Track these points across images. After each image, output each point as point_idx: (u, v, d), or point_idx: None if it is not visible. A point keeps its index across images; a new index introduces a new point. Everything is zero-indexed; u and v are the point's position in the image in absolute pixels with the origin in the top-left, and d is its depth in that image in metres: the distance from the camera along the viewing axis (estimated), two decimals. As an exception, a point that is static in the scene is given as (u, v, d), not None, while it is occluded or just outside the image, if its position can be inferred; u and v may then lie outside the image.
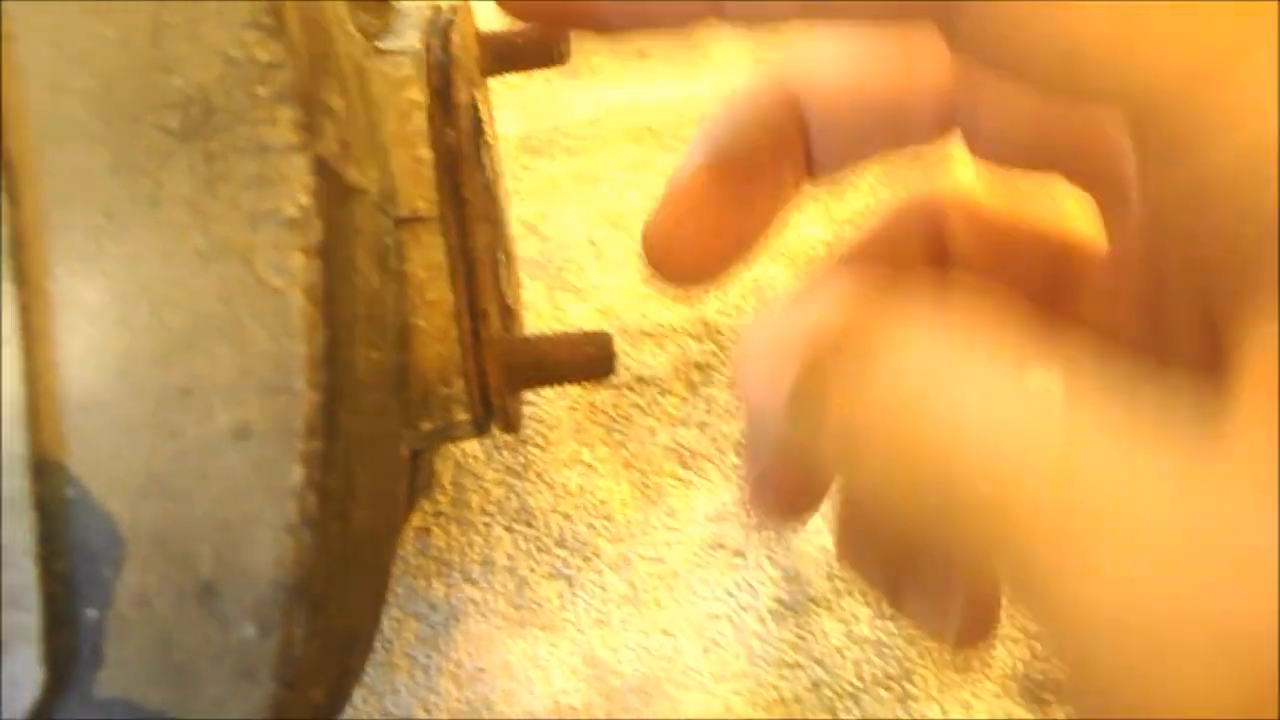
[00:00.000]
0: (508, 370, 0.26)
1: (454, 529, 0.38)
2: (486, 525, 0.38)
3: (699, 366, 0.42)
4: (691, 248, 0.23)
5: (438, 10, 0.31)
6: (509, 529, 0.38)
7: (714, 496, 0.38)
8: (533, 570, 0.37)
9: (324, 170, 0.17)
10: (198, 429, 0.16)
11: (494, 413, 0.26)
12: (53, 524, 0.16)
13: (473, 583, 0.37)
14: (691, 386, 0.41)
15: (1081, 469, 0.14)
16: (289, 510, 0.16)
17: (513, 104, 0.51)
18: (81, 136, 0.16)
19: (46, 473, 0.16)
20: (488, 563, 0.37)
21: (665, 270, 0.23)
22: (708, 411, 0.40)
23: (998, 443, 0.14)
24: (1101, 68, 0.15)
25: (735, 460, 0.39)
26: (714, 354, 0.42)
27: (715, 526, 0.38)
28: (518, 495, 0.39)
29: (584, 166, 0.49)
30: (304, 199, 0.16)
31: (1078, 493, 0.14)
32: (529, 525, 0.38)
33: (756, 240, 0.23)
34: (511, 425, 0.26)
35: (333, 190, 0.18)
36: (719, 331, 0.43)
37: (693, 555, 0.37)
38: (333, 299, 0.17)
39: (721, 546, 0.37)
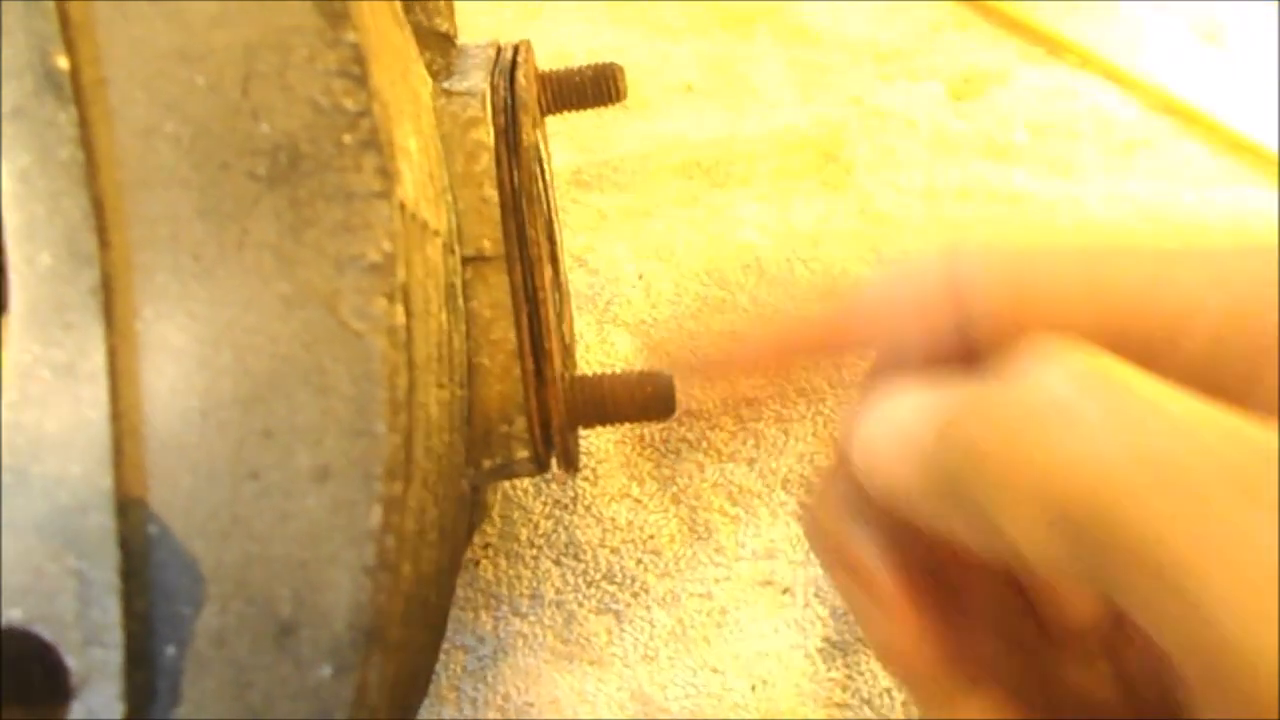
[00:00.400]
0: (568, 409, 0.26)
1: (503, 561, 0.38)
2: (535, 558, 0.38)
3: (748, 401, 0.41)
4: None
5: (500, 50, 0.32)
6: (557, 562, 0.38)
7: (762, 533, 0.38)
8: (581, 605, 0.37)
9: (404, 215, 0.17)
10: (278, 470, 0.16)
11: (554, 451, 0.26)
12: (134, 561, 0.16)
13: (521, 616, 0.37)
14: (740, 421, 0.41)
15: None
16: (367, 553, 0.16)
17: (564, 137, 0.52)
18: (171, 181, 0.16)
19: (129, 510, 0.16)
20: (536, 596, 0.37)
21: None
22: (756, 447, 0.40)
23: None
24: None
25: (784, 496, 0.39)
26: (762, 389, 0.42)
27: (764, 563, 0.38)
28: (566, 529, 0.39)
29: (633, 201, 0.49)
30: (387, 244, 0.17)
31: None
32: (577, 559, 0.38)
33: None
34: (571, 463, 0.26)
35: (411, 233, 0.18)
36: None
37: (741, 592, 0.37)
38: (411, 342, 0.17)
39: (770, 584, 0.37)
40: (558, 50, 0.56)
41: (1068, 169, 0.47)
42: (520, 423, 0.25)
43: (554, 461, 0.27)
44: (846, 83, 0.53)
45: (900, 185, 0.48)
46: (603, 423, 0.27)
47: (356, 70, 0.17)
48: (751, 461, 0.40)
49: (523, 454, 0.25)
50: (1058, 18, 0.54)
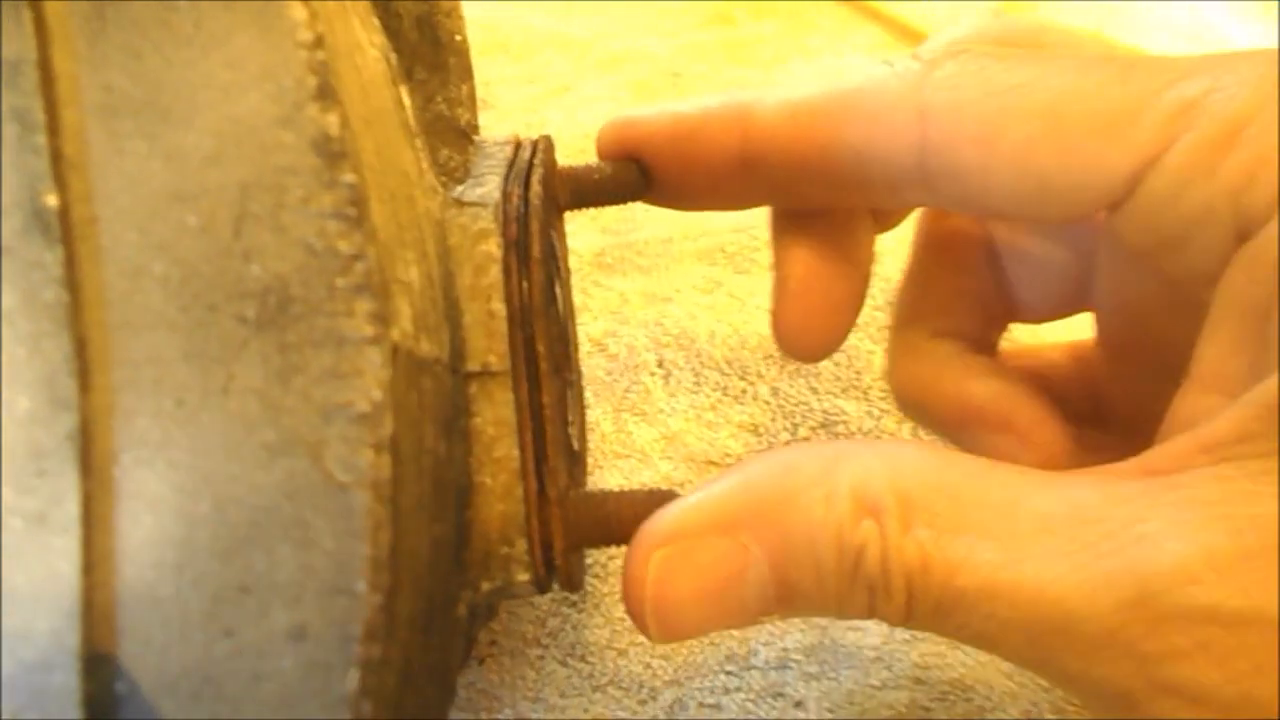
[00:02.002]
0: (572, 529, 0.25)
1: (506, 660, 0.37)
2: (540, 659, 0.37)
3: (764, 500, 0.40)
4: (821, 331, 0.29)
5: (519, 148, 0.31)
6: (563, 664, 0.37)
7: (775, 641, 0.37)
8: (586, 710, 0.36)
9: (397, 358, 0.17)
10: (253, 629, 0.16)
11: (556, 573, 0.25)
12: (100, 721, 0.15)
13: (523, 721, 0.36)
14: (756, 521, 0.40)
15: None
16: (343, 718, 0.16)
17: (587, 218, 0.52)
18: (157, 323, 0.16)
19: (97, 668, 0.15)
20: (539, 699, 0.36)
21: (801, 355, 0.30)
22: (772, 549, 0.39)
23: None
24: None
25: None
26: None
27: (775, 674, 0.36)
28: (574, 628, 0.38)
29: (655, 285, 0.49)
30: (377, 393, 0.16)
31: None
32: (584, 660, 0.37)
33: (862, 295, 0.30)
34: (575, 585, 0.26)
35: (405, 374, 0.17)
36: (786, 464, 0.42)
37: (751, 704, 0.36)
38: (399, 492, 0.16)
39: (781, 696, 0.36)
40: (584, 130, 0.56)
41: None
42: (521, 545, 0.24)
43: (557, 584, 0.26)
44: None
45: (927, 278, 0.47)
46: (607, 543, 0.26)
47: (353, 212, 0.16)
48: (766, 564, 0.39)
49: (523, 577, 0.24)
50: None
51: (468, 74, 0.34)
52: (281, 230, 0.16)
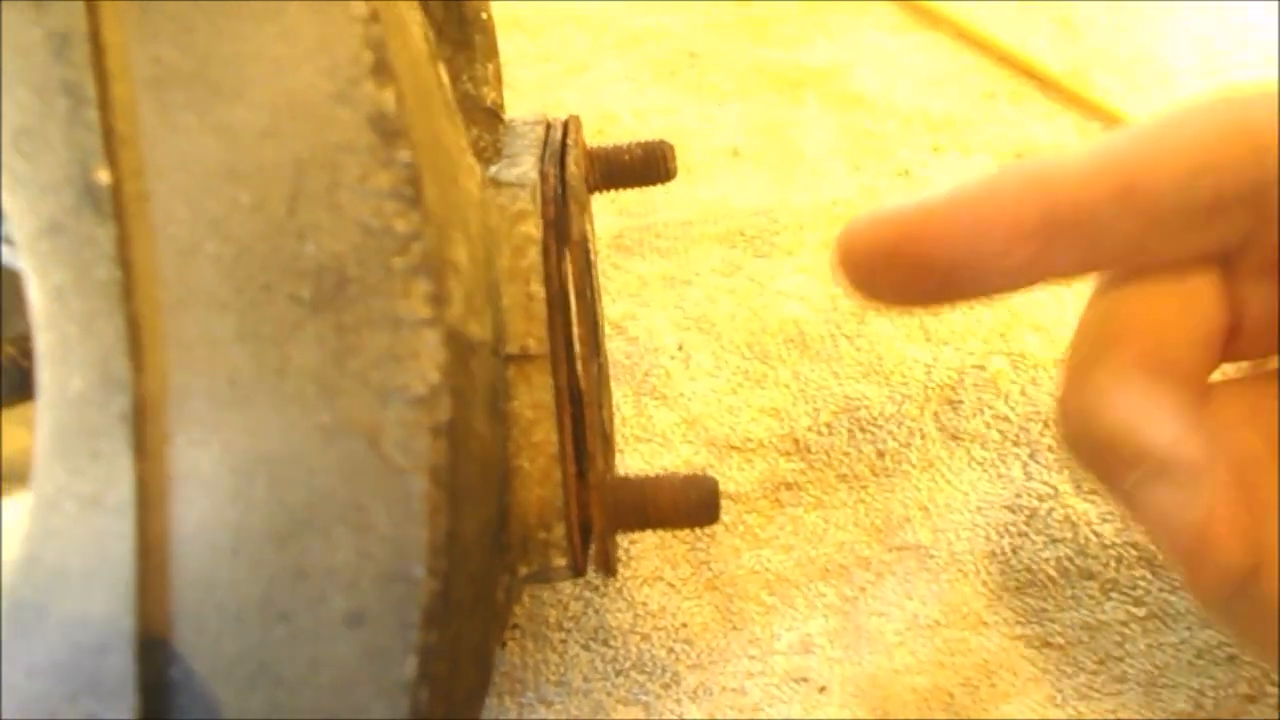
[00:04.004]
0: (609, 514, 0.25)
1: (530, 645, 0.37)
2: (563, 642, 0.37)
3: (787, 485, 0.40)
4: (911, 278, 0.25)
5: (549, 128, 0.31)
6: (586, 648, 0.37)
7: (798, 625, 0.37)
8: (609, 694, 0.36)
9: (453, 341, 0.16)
10: (310, 614, 0.15)
11: (597, 556, 0.25)
12: (154, 706, 0.15)
13: (547, 704, 0.36)
14: (778, 505, 0.40)
15: None
16: (400, 706, 0.15)
17: (606, 200, 0.51)
18: (211, 302, 0.16)
19: (152, 652, 0.15)
20: (563, 684, 0.36)
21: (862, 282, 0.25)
22: (794, 534, 0.39)
23: None
24: None
25: (822, 587, 0.38)
26: (803, 473, 0.41)
27: (799, 659, 0.36)
28: (596, 612, 0.38)
29: (674, 268, 0.49)
30: (434, 376, 0.16)
31: None
32: (607, 645, 0.37)
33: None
34: (610, 570, 0.25)
35: (459, 357, 0.17)
36: (809, 450, 0.41)
37: (775, 689, 0.36)
38: (454, 476, 0.16)
39: (805, 680, 0.36)
40: (602, 110, 0.55)
41: (1123, 252, 0.46)
42: (559, 530, 0.24)
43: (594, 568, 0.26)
44: (896, 152, 0.53)
45: (949, 262, 0.46)
46: (644, 528, 0.26)
47: (409, 191, 0.16)
48: (789, 549, 0.39)
49: (560, 561, 0.24)
50: (1115, 92, 0.53)
51: (493, 52, 0.34)
52: (337, 209, 0.16)
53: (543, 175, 0.26)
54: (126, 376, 0.15)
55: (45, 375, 0.15)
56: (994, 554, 0.37)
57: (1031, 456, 0.41)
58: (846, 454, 0.41)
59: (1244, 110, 0.22)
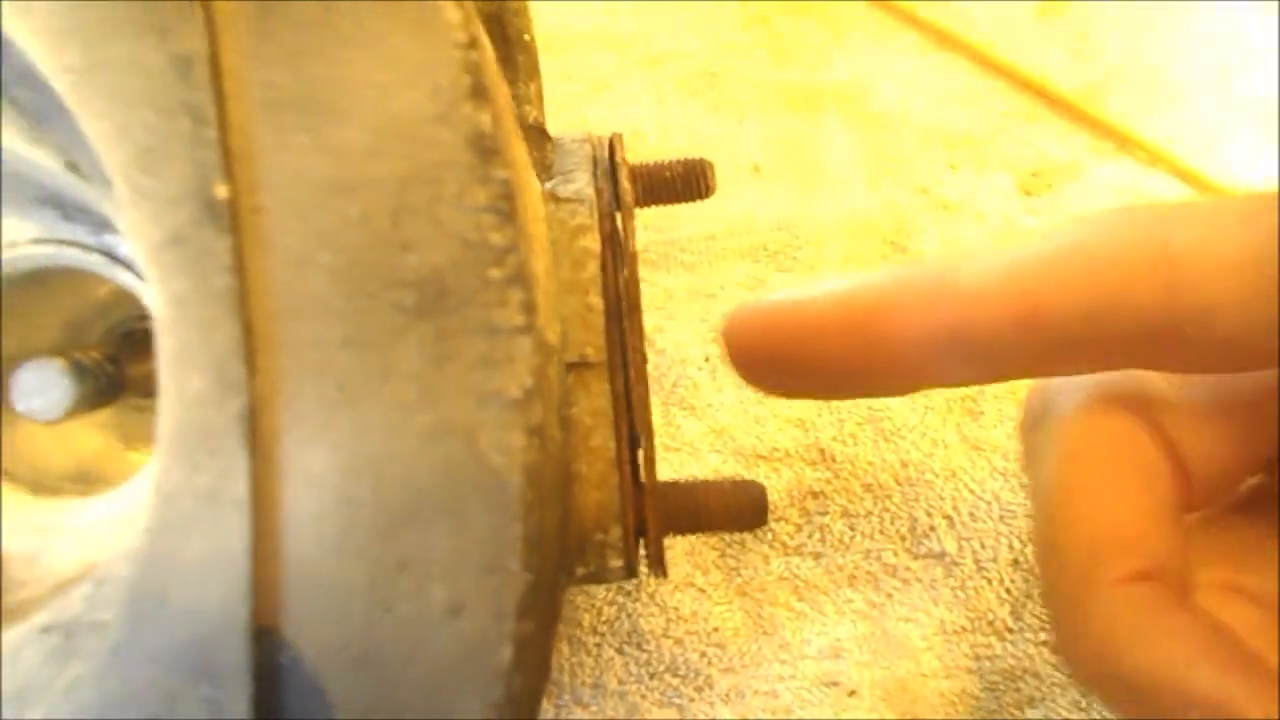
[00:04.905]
0: (662, 517, 0.26)
1: (565, 648, 0.38)
2: (598, 646, 0.38)
3: (814, 494, 0.41)
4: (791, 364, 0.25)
5: (596, 146, 0.32)
6: (620, 651, 0.38)
7: (828, 631, 0.38)
8: (644, 697, 0.37)
9: (543, 348, 0.17)
10: (412, 604, 0.16)
11: (650, 558, 0.26)
12: (266, 692, 0.16)
13: (583, 706, 0.37)
14: (806, 514, 0.41)
15: None
16: (496, 691, 0.16)
17: (630, 214, 0.52)
18: (320, 310, 0.17)
19: (263, 640, 0.16)
20: (599, 686, 0.37)
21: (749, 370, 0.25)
22: (822, 541, 0.40)
23: None
24: None
25: (850, 594, 0.39)
26: (829, 482, 0.42)
27: (829, 663, 0.37)
28: (629, 616, 0.39)
29: (700, 282, 0.50)
30: (528, 380, 0.17)
31: None
32: (640, 648, 0.38)
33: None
34: (663, 571, 0.26)
35: (547, 363, 0.18)
36: (834, 459, 0.42)
37: (806, 692, 0.37)
38: (544, 476, 0.17)
39: (835, 684, 0.37)
40: (626, 127, 0.57)
41: (1139, 268, 0.47)
42: (616, 531, 0.25)
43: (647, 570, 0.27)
44: (915, 169, 0.54)
45: (969, 277, 0.48)
46: (695, 531, 0.27)
47: (505, 206, 0.17)
48: (818, 556, 0.40)
49: (616, 562, 0.25)
50: (1129, 113, 0.55)
51: (535, 72, 0.35)
52: (438, 222, 0.17)
53: (598, 191, 0.27)
54: (242, 379, 0.16)
55: (166, 377, 0.16)
56: (1017, 562, 0.38)
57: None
58: (871, 463, 0.42)
59: (1162, 235, 0.20)
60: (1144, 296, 0.20)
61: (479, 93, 0.17)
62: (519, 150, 0.21)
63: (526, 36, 0.35)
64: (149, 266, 0.16)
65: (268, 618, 0.16)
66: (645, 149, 0.57)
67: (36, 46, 0.17)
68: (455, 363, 0.17)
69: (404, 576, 0.16)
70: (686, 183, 0.34)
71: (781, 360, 0.24)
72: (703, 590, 0.39)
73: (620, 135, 0.33)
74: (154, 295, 0.16)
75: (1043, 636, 0.37)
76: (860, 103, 0.57)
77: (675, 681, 0.37)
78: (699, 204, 0.51)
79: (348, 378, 0.17)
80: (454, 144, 0.17)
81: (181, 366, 0.16)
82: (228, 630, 0.16)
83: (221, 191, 0.16)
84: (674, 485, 0.26)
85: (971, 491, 0.41)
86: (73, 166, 0.19)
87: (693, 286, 0.50)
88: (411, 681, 0.16)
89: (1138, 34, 0.59)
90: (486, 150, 0.17)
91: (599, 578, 0.26)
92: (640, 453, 0.25)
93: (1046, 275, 0.21)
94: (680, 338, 0.47)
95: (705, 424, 0.44)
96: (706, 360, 0.46)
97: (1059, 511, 0.23)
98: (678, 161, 0.34)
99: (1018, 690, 0.36)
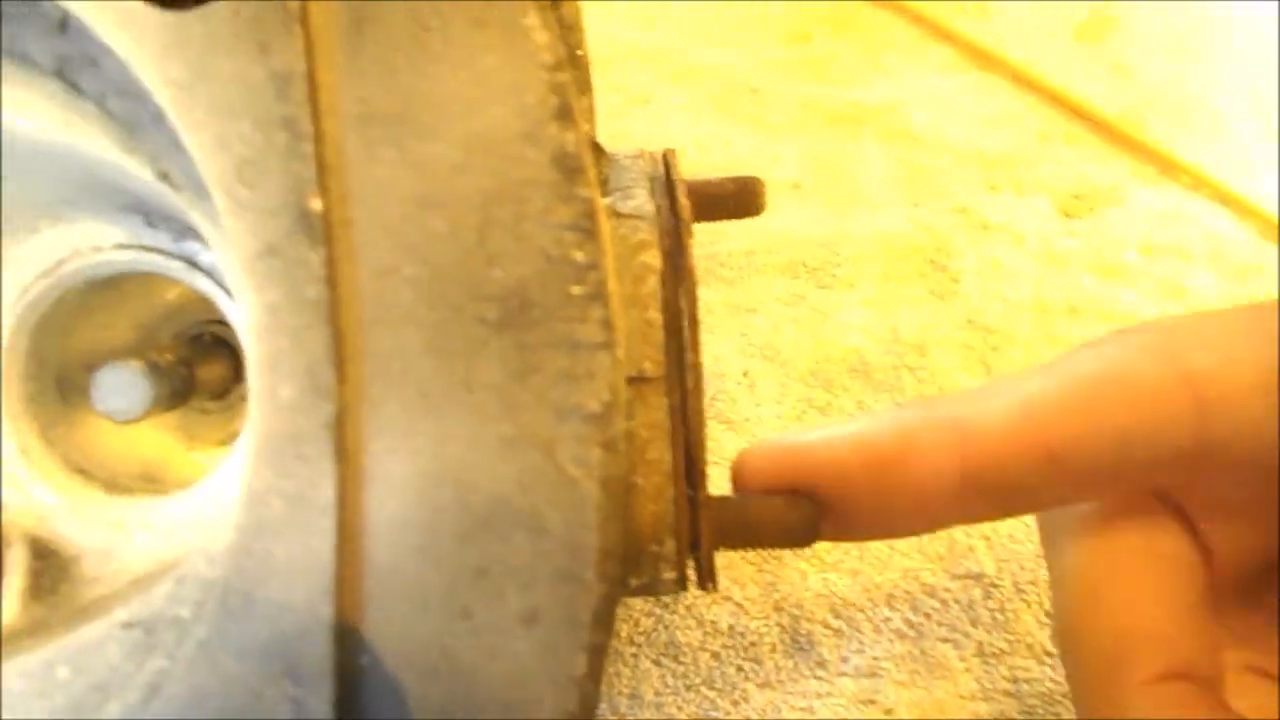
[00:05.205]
0: (716, 531, 0.26)
1: (603, 658, 0.38)
2: (634, 657, 0.38)
3: (852, 511, 0.41)
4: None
5: (653, 162, 0.32)
6: (657, 663, 0.38)
7: (865, 649, 0.38)
8: (680, 709, 0.37)
9: (618, 364, 0.18)
10: (489, 610, 0.17)
11: (701, 571, 0.26)
12: (347, 692, 0.17)
13: (619, 716, 0.37)
14: (843, 530, 0.41)
15: None
16: (571, 699, 0.17)
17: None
18: (406, 320, 0.17)
19: (346, 640, 0.17)
20: (635, 697, 0.37)
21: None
22: (859, 559, 0.40)
23: None
24: None
25: (887, 612, 0.39)
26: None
27: (867, 681, 0.37)
28: (666, 628, 0.39)
29: (739, 297, 0.50)
30: (607, 395, 0.17)
31: None
32: (677, 661, 0.38)
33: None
34: (714, 584, 0.27)
35: (621, 378, 0.18)
36: (873, 476, 0.43)
37: (844, 710, 0.37)
38: (620, 488, 0.18)
39: (873, 703, 0.37)
40: (664, 140, 0.57)
41: (1180, 292, 0.47)
42: (670, 544, 0.25)
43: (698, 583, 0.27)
44: (953, 190, 0.54)
45: (1008, 298, 0.48)
46: (746, 546, 0.27)
47: (587, 224, 0.17)
48: (855, 573, 0.40)
49: (669, 574, 0.25)
50: (1169, 137, 0.55)
51: (587, 87, 0.35)
52: (522, 238, 0.17)
53: (658, 207, 0.27)
54: (331, 387, 0.16)
55: (257, 383, 0.17)
56: (1056, 584, 0.38)
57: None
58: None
59: (1182, 360, 0.20)
60: (1169, 427, 0.20)
61: (564, 113, 0.18)
62: (593, 169, 0.22)
63: (580, 52, 0.36)
64: (243, 275, 0.17)
65: (350, 619, 0.17)
66: (684, 164, 0.58)
67: (142, 59, 0.17)
68: (536, 376, 0.17)
69: (482, 583, 0.17)
70: (739, 200, 0.34)
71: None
72: (740, 605, 0.39)
73: (674, 151, 0.34)
74: (247, 303, 0.17)
75: (1080, 659, 0.37)
76: (899, 121, 0.58)
77: (711, 695, 0.37)
78: (739, 219, 0.52)
79: (431, 387, 0.17)
80: (540, 162, 0.17)
81: (274, 373, 0.17)
82: (312, 630, 0.16)
83: (316, 204, 0.17)
84: (727, 500, 0.27)
85: (1009, 512, 0.41)
86: (163, 175, 0.20)
87: (732, 301, 0.50)
88: (488, 686, 0.17)
89: (1178, 57, 0.59)
90: (571, 169, 0.17)
91: (651, 589, 0.26)
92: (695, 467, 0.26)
93: (1068, 411, 0.20)
94: (719, 352, 0.48)
95: (744, 438, 0.44)
96: (745, 375, 0.47)
97: (1084, 605, 0.22)
98: (730, 179, 0.35)
99: (1056, 715, 0.36)
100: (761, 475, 0.24)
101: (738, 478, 0.25)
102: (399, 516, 0.17)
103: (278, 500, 0.16)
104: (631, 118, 0.60)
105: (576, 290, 0.17)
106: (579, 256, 0.17)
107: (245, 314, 0.17)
